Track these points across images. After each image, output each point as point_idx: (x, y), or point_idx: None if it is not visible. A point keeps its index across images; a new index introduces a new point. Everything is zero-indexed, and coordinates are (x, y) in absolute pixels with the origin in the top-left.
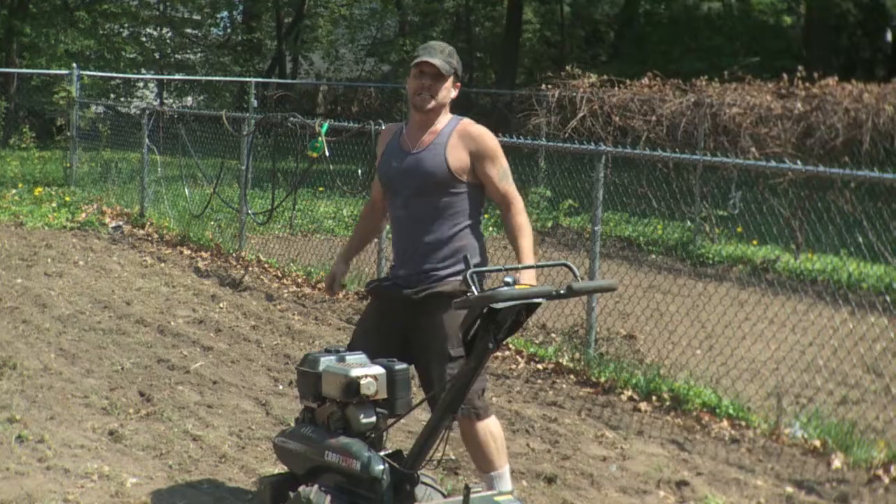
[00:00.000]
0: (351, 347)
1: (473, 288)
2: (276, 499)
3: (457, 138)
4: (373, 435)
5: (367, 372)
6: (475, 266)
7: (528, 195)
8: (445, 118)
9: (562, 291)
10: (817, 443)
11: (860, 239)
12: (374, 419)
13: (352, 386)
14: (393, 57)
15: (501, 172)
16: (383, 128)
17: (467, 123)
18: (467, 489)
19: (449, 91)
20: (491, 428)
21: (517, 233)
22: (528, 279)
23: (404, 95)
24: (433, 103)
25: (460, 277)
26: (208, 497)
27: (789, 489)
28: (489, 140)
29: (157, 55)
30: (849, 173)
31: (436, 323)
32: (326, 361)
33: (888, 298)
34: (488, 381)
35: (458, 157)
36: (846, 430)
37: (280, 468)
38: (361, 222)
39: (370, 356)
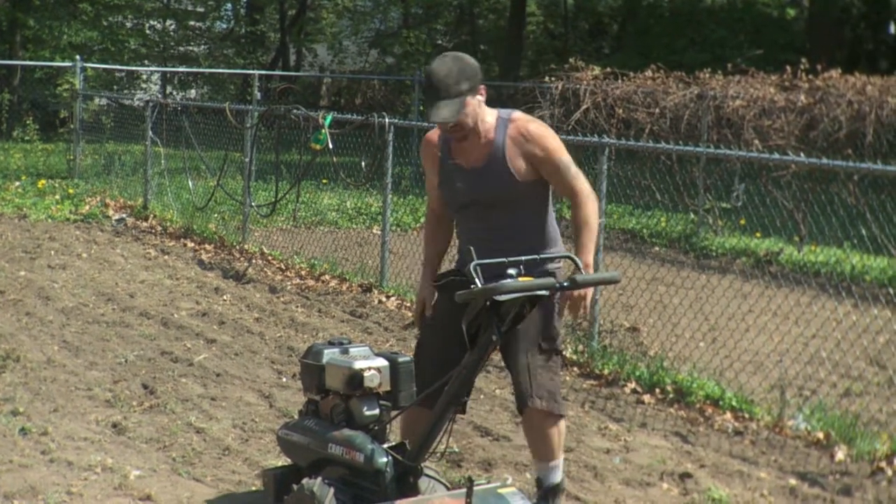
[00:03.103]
0: (419, 343)
1: (477, 280)
2: (279, 491)
3: (512, 145)
4: (376, 427)
5: (370, 364)
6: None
7: None
8: (492, 122)
9: (565, 284)
10: (820, 435)
11: (863, 231)
12: (377, 411)
13: (355, 378)
14: (397, 49)
15: (563, 168)
16: (426, 148)
17: (519, 124)
18: (470, 481)
19: (474, 107)
20: (560, 424)
21: (579, 228)
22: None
23: (409, 86)
24: (467, 131)
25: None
26: (212, 490)
27: (792, 481)
28: (544, 141)
29: (160, 47)
30: (852, 165)
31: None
32: (330, 353)
33: (891, 291)
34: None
35: (519, 166)
36: (849, 422)
37: (283, 461)
38: (432, 238)
39: (439, 352)
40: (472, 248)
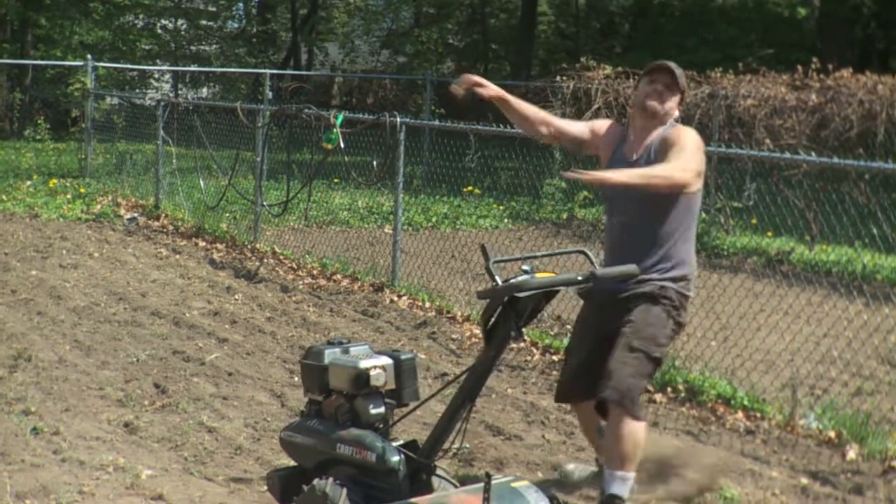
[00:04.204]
0: (568, 351)
1: (497, 278)
2: (286, 492)
3: (661, 145)
4: (382, 426)
5: (375, 363)
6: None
7: (543, 187)
8: (662, 127)
9: (584, 278)
10: (832, 434)
11: (874, 230)
12: (382, 409)
13: (361, 377)
14: (408, 48)
15: (676, 150)
16: (609, 123)
17: (675, 128)
18: (489, 476)
19: (675, 105)
20: (635, 431)
21: (651, 170)
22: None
23: (420, 86)
24: (659, 109)
25: (663, 280)
26: (223, 489)
27: (804, 480)
28: (682, 136)
29: (172, 46)
30: (863, 165)
31: (629, 318)
32: (332, 354)
33: None
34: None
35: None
36: (861, 421)
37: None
38: (536, 112)
39: (584, 359)
40: (484, 245)
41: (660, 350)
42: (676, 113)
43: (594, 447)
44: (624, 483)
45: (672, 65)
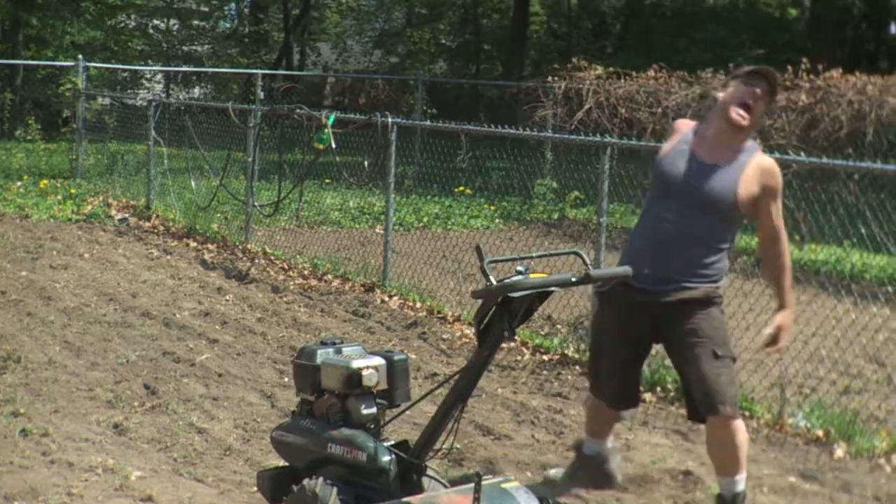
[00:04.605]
0: (595, 358)
1: (491, 278)
2: (275, 492)
3: (754, 168)
4: (373, 426)
5: (368, 363)
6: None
7: (534, 187)
8: (745, 142)
9: (578, 279)
10: (820, 432)
11: (863, 230)
12: (374, 410)
13: (354, 377)
14: (400, 48)
15: (779, 209)
16: (677, 125)
17: (765, 158)
18: (479, 476)
19: (762, 109)
20: (745, 433)
21: (782, 268)
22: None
23: (412, 86)
24: (749, 122)
25: (713, 285)
26: (213, 490)
27: (792, 478)
28: (779, 178)
29: (164, 47)
30: (852, 165)
31: (689, 326)
32: (324, 354)
33: (890, 289)
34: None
35: (749, 189)
36: (849, 419)
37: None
38: None
39: (620, 366)
40: (479, 246)
41: (733, 350)
42: (760, 123)
43: (596, 433)
44: (743, 480)
45: (773, 72)
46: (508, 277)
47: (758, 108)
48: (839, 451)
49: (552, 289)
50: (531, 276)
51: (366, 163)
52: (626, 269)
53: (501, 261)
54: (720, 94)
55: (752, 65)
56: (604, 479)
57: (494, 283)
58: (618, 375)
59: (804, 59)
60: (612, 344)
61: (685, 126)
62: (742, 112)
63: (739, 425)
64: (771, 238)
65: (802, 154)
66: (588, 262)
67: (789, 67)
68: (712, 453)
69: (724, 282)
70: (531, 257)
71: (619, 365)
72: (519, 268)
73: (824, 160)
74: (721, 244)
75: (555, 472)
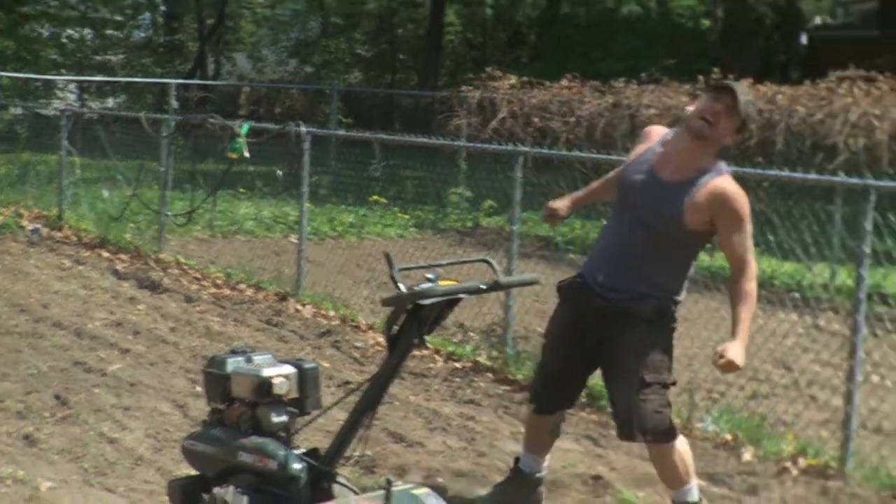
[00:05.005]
0: (544, 357)
1: (401, 286)
2: (186, 501)
3: (707, 194)
4: (284, 434)
5: (278, 371)
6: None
7: (448, 196)
8: (710, 160)
9: (487, 286)
10: (728, 437)
11: (771, 237)
12: (285, 418)
13: (264, 386)
14: (316, 58)
15: (742, 238)
16: (649, 132)
17: (724, 182)
18: (388, 483)
19: (729, 134)
20: (678, 451)
21: (740, 299)
22: (733, 352)
23: (328, 95)
24: (708, 133)
25: (668, 299)
26: (124, 500)
27: (701, 482)
28: (739, 207)
29: (77, 56)
30: (761, 173)
31: (627, 343)
32: (234, 363)
33: (797, 295)
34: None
35: (697, 216)
36: (756, 423)
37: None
38: (603, 184)
39: (558, 362)
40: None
41: (670, 375)
42: (728, 141)
43: (535, 448)
44: (692, 490)
45: (738, 88)
46: (418, 285)
47: (719, 122)
48: (747, 455)
49: (462, 296)
50: (441, 283)
51: (279, 172)
52: (535, 276)
53: (411, 269)
54: (690, 108)
55: (662, 75)
56: (527, 495)
57: (404, 290)
58: (561, 376)
59: (716, 69)
60: (563, 343)
61: (656, 134)
62: (702, 122)
63: (667, 448)
64: (735, 268)
65: None
66: (497, 269)
67: (701, 77)
68: (655, 469)
69: (680, 299)
70: (441, 265)
71: (564, 365)
72: (429, 275)
73: (734, 168)
74: (674, 264)
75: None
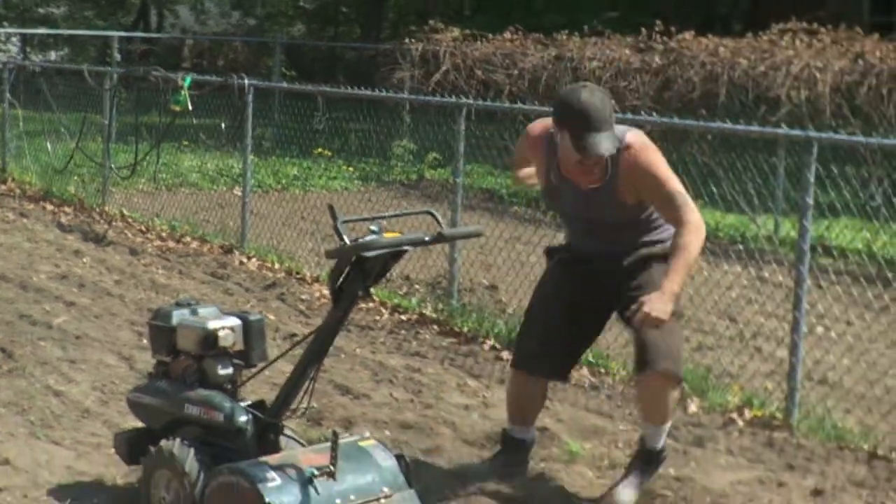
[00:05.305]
0: (530, 313)
1: (345, 238)
2: (133, 454)
3: (624, 175)
4: (230, 386)
5: (223, 324)
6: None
7: (392, 148)
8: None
9: (431, 238)
10: None
11: (715, 189)
12: (231, 370)
13: (209, 338)
14: (259, 11)
15: (669, 199)
16: (530, 133)
17: (631, 153)
18: (335, 435)
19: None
20: (678, 389)
21: (673, 252)
22: (657, 299)
23: (271, 48)
24: (600, 175)
25: (655, 244)
26: (70, 452)
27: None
28: (654, 172)
29: (20, 9)
30: (704, 125)
31: (647, 281)
32: (180, 315)
33: (741, 247)
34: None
35: (627, 194)
36: (702, 375)
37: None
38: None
39: (559, 328)
40: (331, 206)
41: (682, 305)
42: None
43: (521, 420)
44: (664, 435)
45: (603, 143)
46: (362, 237)
47: (599, 167)
48: (693, 407)
49: (406, 248)
50: (385, 235)
51: (223, 125)
52: (478, 229)
53: (355, 220)
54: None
55: (605, 27)
56: (518, 465)
57: (348, 242)
58: (570, 337)
59: (658, 22)
60: (565, 305)
61: (540, 141)
62: (591, 177)
63: (676, 382)
64: (676, 227)
65: (654, 115)
66: (441, 221)
67: (643, 29)
68: (641, 401)
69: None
70: (385, 217)
71: (569, 326)
72: (373, 227)
73: (676, 121)
74: (650, 222)
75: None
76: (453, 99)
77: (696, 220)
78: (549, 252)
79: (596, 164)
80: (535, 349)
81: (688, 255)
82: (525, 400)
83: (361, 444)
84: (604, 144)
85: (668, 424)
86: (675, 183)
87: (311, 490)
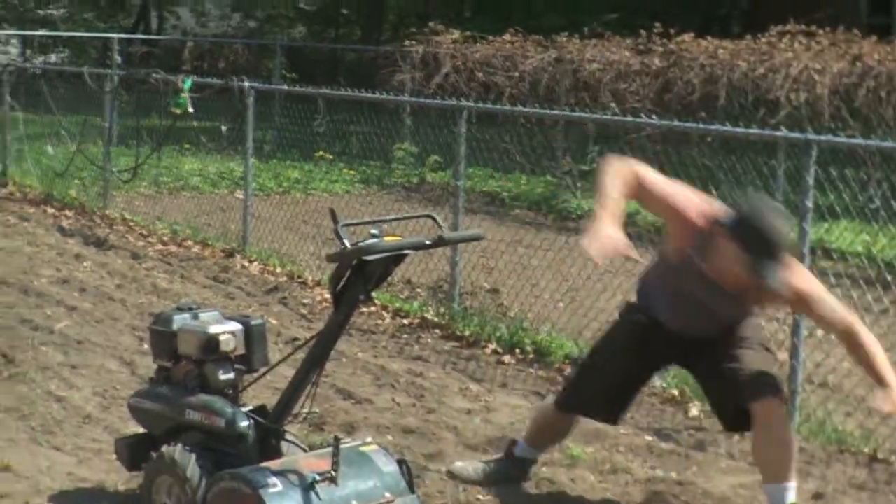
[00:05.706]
0: (595, 361)
1: (346, 241)
2: (134, 460)
3: (782, 298)
4: (231, 391)
5: (225, 328)
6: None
7: (393, 151)
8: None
9: (432, 241)
10: (675, 392)
11: (714, 191)
12: (232, 375)
13: (211, 343)
14: (259, 13)
15: (827, 308)
16: (684, 210)
17: (792, 282)
18: (337, 440)
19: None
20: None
21: (868, 356)
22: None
23: (272, 50)
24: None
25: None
26: (72, 458)
27: (649, 438)
28: (810, 285)
29: (20, 10)
30: (703, 127)
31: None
32: (181, 320)
33: None
34: None
35: (769, 307)
36: None
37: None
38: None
39: (622, 380)
40: (332, 209)
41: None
42: None
43: (536, 443)
44: (792, 490)
45: (784, 237)
46: (363, 241)
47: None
48: (694, 410)
49: (407, 252)
50: (386, 239)
51: (224, 128)
52: (479, 232)
53: (356, 224)
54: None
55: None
56: (516, 478)
57: (349, 246)
58: (628, 388)
59: (657, 24)
60: (634, 357)
61: (692, 226)
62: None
63: (781, 403)
64: (841, 337)
65: (654, 117)
66: (442, 225)
67: (643, 31)
68: (756, 455)
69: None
70: (385, 220)
71: (630, 379)
72: (374, 231)
73: (677, 123)
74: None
75: (461, 465)
76: (454, 101)
77: (857, 323)
78: (629, 309)
79: (765, 294)
80: (594, 397)
81: (880, 350)
82: (553, 433)
83: (363, 449)
84: (779, 278)
85: (794, 482)
86: (823, 291)
87: (313, 496)
